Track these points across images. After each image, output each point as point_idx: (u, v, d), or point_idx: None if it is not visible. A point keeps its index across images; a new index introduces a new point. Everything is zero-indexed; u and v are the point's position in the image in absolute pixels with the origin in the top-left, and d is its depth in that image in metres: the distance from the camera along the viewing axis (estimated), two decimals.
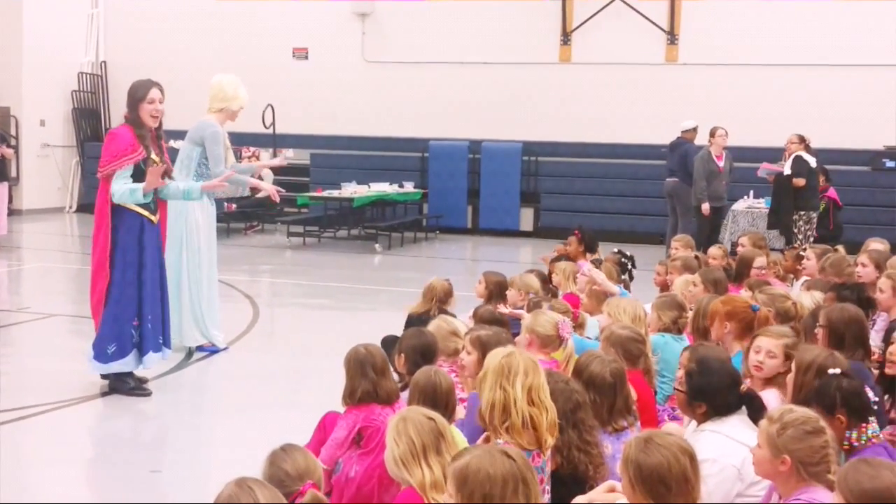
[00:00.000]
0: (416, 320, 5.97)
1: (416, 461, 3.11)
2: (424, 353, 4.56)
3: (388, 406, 4.21)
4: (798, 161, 11.35)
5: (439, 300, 6.50)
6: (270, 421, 5.94)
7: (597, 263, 7.08)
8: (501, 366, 3.49)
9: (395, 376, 4.50)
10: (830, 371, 3.48)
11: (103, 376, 6.40)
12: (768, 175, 11.85)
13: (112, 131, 6.46)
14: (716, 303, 5.05)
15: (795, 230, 11.21)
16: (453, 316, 6.04)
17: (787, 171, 11.41)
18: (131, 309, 6.29)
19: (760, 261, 7.25)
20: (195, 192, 6.70)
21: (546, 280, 6.97)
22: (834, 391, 3.37)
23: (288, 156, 18.25)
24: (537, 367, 3.57)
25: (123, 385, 6.36)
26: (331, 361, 4.56)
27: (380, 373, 4.23)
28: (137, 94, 6.32)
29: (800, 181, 11.28)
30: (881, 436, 3.38)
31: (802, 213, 11.21)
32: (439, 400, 3.80)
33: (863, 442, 3.30)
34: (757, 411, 3.52)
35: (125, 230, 6.22)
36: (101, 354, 6.28)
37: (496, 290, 6.69)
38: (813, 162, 11.47)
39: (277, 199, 7.91)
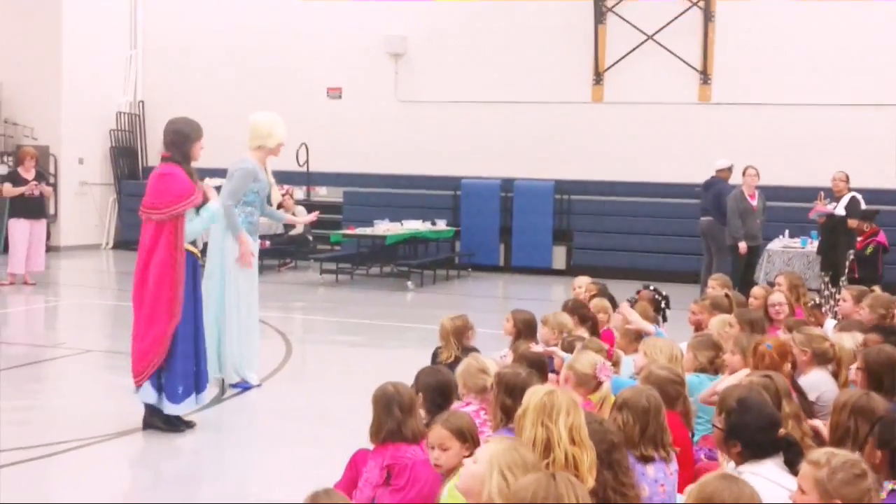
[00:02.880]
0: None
1: None
2: (442, 392, 4.55)
3: (415, 444, 4.19)
4: (853, 201, 11.28)
5: (455, 337, 6.45)
6: (302, 458, 5.93)
7: (632, 302, 7.04)
8: (543, 403, 3.47)
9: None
10: None
11: (151, 411, 6.39)
12: (819, 217, 11.73)
13: (166, 171, 6.32)
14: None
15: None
16: (476, 351, 6.03)
17: (841, 211, 11.29)
18: (191, 347, 6.35)
19: (774, 297, 7.19)
20: (216, 216, 6.67)
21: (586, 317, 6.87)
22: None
23: (321, 193, 18.51)
24: (578, 407, 3.55)
25: (161, 420, 6.38)
26: (362, 399, 4.55)
27: (406, 411, 4.21)
28: (194, 133, 6.44)
29: (853, 222, 11.18)
30: None
31: (850, 252, 11.14)
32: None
33: None
34: (795, 456, 3.47)
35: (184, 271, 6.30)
36: (173, 395, 6.28)
37: (524, 328, 6.65)
38: (863, 203, 11.39)
39: (315, 219, 8.12)
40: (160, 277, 6.18)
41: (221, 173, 7.79)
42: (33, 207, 13.32)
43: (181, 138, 6.41)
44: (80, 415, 6.73)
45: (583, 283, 8.21)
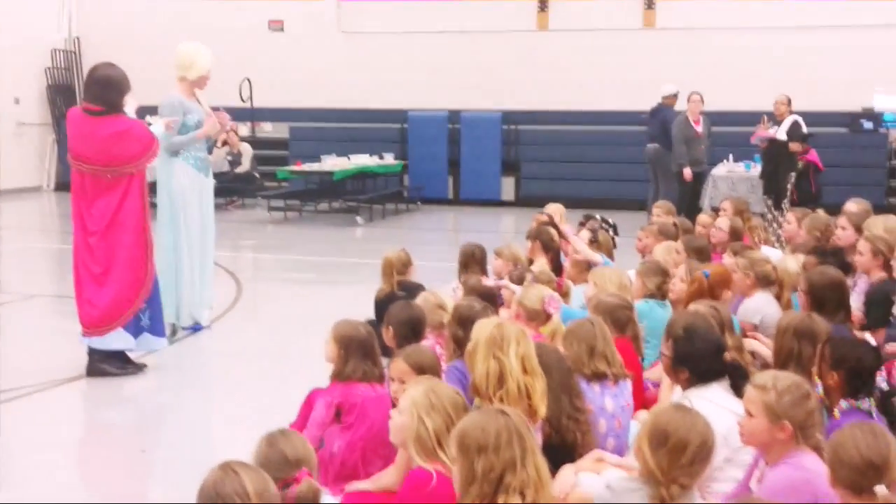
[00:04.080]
0: (384, 303, 5.92)
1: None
2: (413, 327, 4.58)
3: (371, 385, 4.24)
4: (794, 125, 11.41)
5: (397, 272, 6.50)
6: (256, 398, 5.94)
7: (593, 232, 7.07)
8: (493, 336, 3.52)
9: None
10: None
11: (104, 357, 6.34)
12: (761, 142, 11.84)
13: (129, 125, 6.24)
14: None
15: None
16: (418, 286, 6.07)
17: (782, 135, 11.41)
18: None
19: (717, 223, 7.29)
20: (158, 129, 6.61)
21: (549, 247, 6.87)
22: (853, 355, 3.45)
23: (266, 129, 18.26)
24: (527, 337, 3.60)
25: (114, 366, 6.34)
26: (315, 336, 4.57)
27: (375, 353, 4.27)
28: (127, 85, 6.28)
29: (796, 146, 11.32)
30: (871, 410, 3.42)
31: (792, 175, 11.32)
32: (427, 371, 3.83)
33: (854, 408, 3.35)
34: (740, 380, 3.55)
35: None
36: (161, 330, 6.52)
37: (464, 259, 6.64)
38: (805, 127, 11.51)
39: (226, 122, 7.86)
40: (137, 225, 6.25)
41: (157, 111, 7.59)
42: None
43: (118, 89, 6.21)
44: (29, 361, 6.65)
45: (554, 211, 8.19)
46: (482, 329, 3.61)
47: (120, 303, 6.24)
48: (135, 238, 6.24)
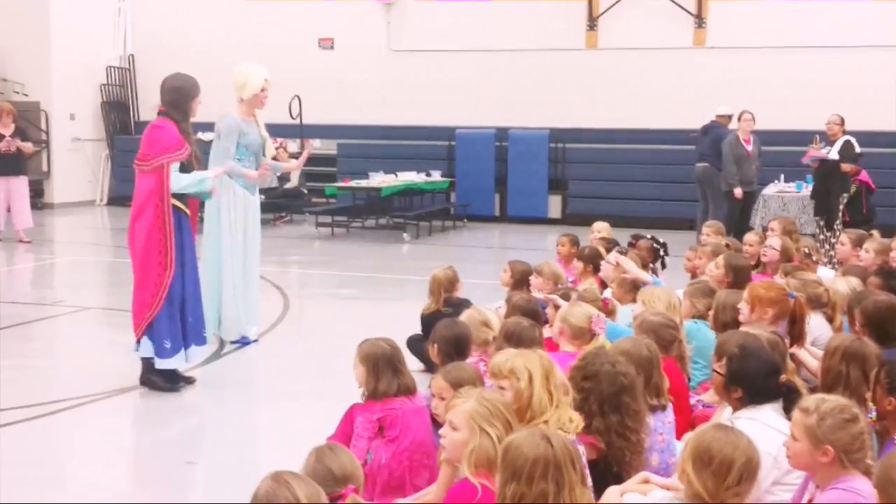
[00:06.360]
0: (431, 320, 5.94)
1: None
2: (457, 345, 4.59)
3: (409, 396, 4.26)
4: (847, 146, 11.25)
5: (445, 290, 6.52)
6: (303, 412, 5.98)
7: (622, 251, 7.05)
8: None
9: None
10: None
11: (148, 365, 6.39)
12: (813, 162, 11.69)
13: (155, 124, 6.37)
14: (757, 288, 5.00)
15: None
16: (466, 302, 6.07)
17: (834, 155, 11.26)
18: (177, 302, 6.31)
19: (768, 241, 7.17)
20: (207, 183, 6.50)
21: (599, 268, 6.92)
22: None
23: (315, 146, 18.41)
24: (545, 370, 3.54)
25: (159, 377, 6.40)
26: None
27: (399, 367, 4.30)
28: (192, 91, 6.42)
29: (847, 166, 11.16)
30: None
31: (844, 195, 11.16)
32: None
33: None
34: (794, 402, 3.49)
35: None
36: (161, 349, 6.26)
37: (521, 279, 6.69)
38: (858, 147, 11.34)
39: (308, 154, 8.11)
40: (150, 229, 6.17)
41: (211, 127, 7.74)
42: (10, 164, 13.15)
43: (176, 95, 6.38)
44: (80, 372, 6.76)
45: (601, 228, 8.24)
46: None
47: (139, 307, 6.22)
48: (149, 242, 6.15)
